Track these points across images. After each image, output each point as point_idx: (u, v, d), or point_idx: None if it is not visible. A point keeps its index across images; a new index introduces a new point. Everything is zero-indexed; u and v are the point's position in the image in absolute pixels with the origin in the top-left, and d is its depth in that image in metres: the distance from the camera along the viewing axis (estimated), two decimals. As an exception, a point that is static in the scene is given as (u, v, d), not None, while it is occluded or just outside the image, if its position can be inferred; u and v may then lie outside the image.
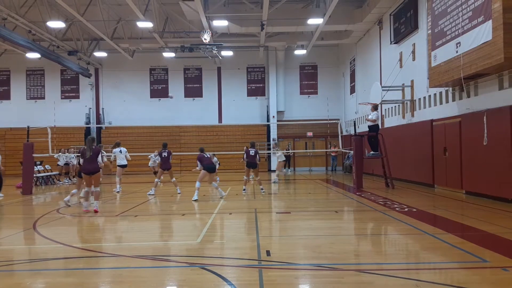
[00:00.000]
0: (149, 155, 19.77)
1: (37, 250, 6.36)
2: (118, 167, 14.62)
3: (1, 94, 27.20)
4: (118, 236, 7.11)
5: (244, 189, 13.16)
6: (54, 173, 19.50)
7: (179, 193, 13.22)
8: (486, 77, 10.69)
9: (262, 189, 13.21)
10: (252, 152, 12.71)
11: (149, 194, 12.96)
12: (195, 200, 11.24)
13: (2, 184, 13.54)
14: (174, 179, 13.58)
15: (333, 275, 4.71)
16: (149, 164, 20.25)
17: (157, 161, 17.86)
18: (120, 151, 14.61)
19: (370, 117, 14.53)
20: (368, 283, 4.40)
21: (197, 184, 11.57)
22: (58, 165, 19.15)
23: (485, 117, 10.47)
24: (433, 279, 4.59)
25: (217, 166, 17.77)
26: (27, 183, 14.42)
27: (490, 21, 9.26)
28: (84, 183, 9.89)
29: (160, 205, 11.48)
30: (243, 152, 13.92)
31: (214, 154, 17.26)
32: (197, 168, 11.91)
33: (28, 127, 15.70)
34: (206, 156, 12.01)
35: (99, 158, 9.85)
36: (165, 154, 13.29)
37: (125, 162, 14.57)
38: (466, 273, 4.76)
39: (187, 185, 15.19)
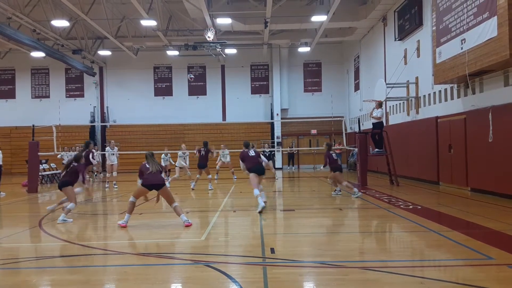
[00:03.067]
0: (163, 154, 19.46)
1: (43, 248, 6.41)
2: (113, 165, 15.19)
3: (6, 93, 27.35)
4: (123, 233, 7.14)
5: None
6: (59, 171, 19.59)
7: (210, 189, 13.61)
8: (491, 73, 10.61)
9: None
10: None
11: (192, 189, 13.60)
12: (260, 212, 8.76)
13: None
14: (210, 175, 13.90)
15: (338, 273, 4.70)
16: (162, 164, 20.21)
17: (169, 160, 18.03)
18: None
19: (374, 114, 14.48)
20: (373, 281, 4.39)
21: (255, 192, 8.99)
22: (63, 163, 19.23)
23: (490, 113, 10.40)
24: (438, 276, 4.58)
25: (228, 159, 17.92)
26: (33, 182, 14.51)
27: (495, 17, 9.19)
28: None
29: (165, 203, 11.49)
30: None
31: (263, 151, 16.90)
32: (242, 169, 9.59)
33: (33, 125, 15.78)
34: (251, 154, 9.48)
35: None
36: (203, 153, 13.60)
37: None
38: (472, 270, 4.74)
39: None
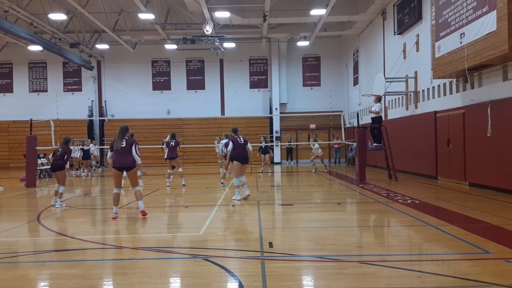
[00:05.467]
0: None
1: (41, 242, 6.41)
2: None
3: (4, 87, 27.23)
4: (121, 228, 7.14)
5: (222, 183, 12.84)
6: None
7: (183, 184, 13.28)
8: (490, 68, 10.59)
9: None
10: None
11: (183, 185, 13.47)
12: (238, 200, 9.30)
13: None
14: (180, 169, 13.69)
15: (336, 267, 4.71)
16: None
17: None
18: None
19: (373, 109, 14.47)
20: (370, 274, 4.41)
21: (235, 181, 9.17)
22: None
23: (489, 108, 10.40)
24: (435, 270, 4.60)
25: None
26: (31, 176, 14.49)
27: (495, 11, 9.15)
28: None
29: (163, 197, 11.51)
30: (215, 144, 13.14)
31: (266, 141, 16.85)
32: (224, 154, 9.71)
33: (31, 120, 15.74)
34: (240, 141, 9.33)
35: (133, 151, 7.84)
36: (172, 143, 13.51)
37: None
38: (469, 264, 4.76)
39: (190, 177, 15.23)
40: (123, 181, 13.24)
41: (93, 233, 6.91)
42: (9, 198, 11.64)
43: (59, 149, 9.48)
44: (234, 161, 9.21)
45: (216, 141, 18.35)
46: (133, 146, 7.73)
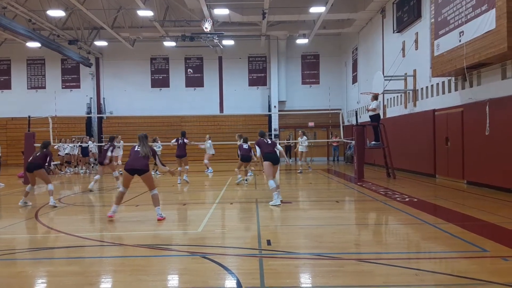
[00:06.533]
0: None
1: (39, 239, 6.40)
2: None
3: (2, 84, 27.14)
4: (119, 225, 7.14)
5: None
6: (55, 163, 19.54)
7: (179, 183, 13.30)
8: (489, 66, 10.60)
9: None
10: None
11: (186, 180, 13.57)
12: (277, 205, 8.66)
13: None
14: (187, 166, 13.82)
15: (334, 264, 4.72)
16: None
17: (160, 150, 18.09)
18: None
19: (370, 107, 14.50)
20: (368, 272, 4.42)
21: (271, 183, 8.77)
22: (59, 155, 19.19)
23: (487, 106, 10.41)
24: (433, 268, 4.61)
25: (212, 151, 17.89)
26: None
27: (494, 9, 9.15)
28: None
29: (162, 195, 11.49)
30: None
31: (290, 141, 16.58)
32: (256, 156, 9.37)
33: (29, 116, 15.70)
34: (267, 142, 9.18)
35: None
36: (181, 141, 13.63)
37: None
38: (466, 262, 4.77)
39: (189, 175, 15.18)
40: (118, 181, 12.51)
41: (91, 231, 6.90)
42: (7, 195, 11.62)
43: (37, 153, 9.16)
44: (265, 162, 8.98)
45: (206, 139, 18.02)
46: (157, 155, 7.65)
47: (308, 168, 17.90)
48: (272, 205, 8.63)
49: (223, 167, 18.82)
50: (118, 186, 11.29)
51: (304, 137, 17.44)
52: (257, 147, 9.12)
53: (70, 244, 5.85)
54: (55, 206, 8.81)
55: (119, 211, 7.65)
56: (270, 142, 9.26)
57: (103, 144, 15.62)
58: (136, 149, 7.36)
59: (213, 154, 17.69)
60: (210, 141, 17.46)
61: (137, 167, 7.18)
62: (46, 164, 9.16)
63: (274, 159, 8.97)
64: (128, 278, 4.34)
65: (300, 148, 17.52)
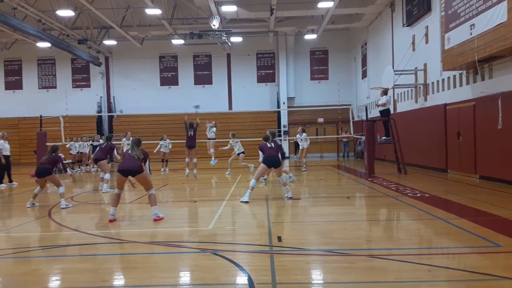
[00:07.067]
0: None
1: (53, 237, 6.48)
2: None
3: (14, 84, 27.50)
4: (131, 223, 7.20)
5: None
6: (67, 161, 19.77)
7: (187, 175, 13.67)
8: (501, 59, 10.44)
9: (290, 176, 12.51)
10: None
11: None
12: (245, 202, 8.83)
13: (9, 171, 13.75)
14: (195, 159, 13.90)
15: (345, 261, 4.71)
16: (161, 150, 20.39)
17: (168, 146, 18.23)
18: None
19: (380, 101, 14.39)
20: (379, 268, 4.40)
21: (252, 182, 9.01)
22: (70, 154, 19.41)
23: (499, 100, 10.26)
24: (445, 264, 4.57)
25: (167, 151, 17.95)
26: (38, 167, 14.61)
27: (506, 1, 9.00)
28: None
29: (172, 192, 11.58)
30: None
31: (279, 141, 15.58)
32: (260, 160, 9.24)
33: (40, 116, 15.88)
34: (269, 146, 9.17)
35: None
36: (191, 133, 13.85)
37: None
38: (479, 258, 4.72)
39: (198, 172, 15.24)
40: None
41: (103, 228, 6.98)
42: (20, 194, 11.80)
43: (46, 157, 9.09)
44: (262, 164, 9.07)
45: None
46: (148, 160, 7.69)
47: (303, 168, 16.52)
48: (241, 201, 8.84)
49: (233, 164, 18.82)
50: (101, 188, 11.37)
51: (304, 134, 16.50)
52: (260, 152, 9.20)
53: (83, 242, 5.92)
54: (67, 207, 8.82)
55: (132, 208, 7.71)
56: (273, 146, 9.25)
57: (114, 142, 15.63)
58: (129, 152, 7.49)
59: (214, 139, 17.01)
60: (214, 129, 17.06)
61: (131, 168, 7.24)
62: (55, 168, 9.18)
63: (271, 163, 9.05)
64: (140, 275, 4.38)
65: (302, 145, 16.60)
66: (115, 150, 11.56)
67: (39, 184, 9.13)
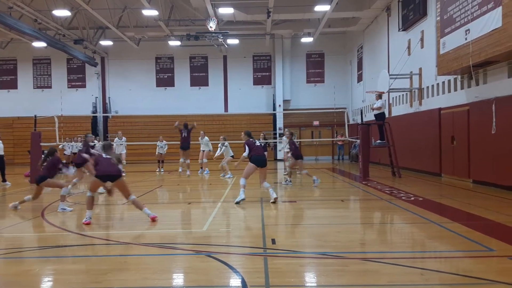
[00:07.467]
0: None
1: (46, 238, 6.44)
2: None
3: (9, 84, 27.35)
4: (125, 224, 7.17)
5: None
6: (62, 162, 19.65)
7: (185, 173, 13.67)
8: (496, 64, 10.52)
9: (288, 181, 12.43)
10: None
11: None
12: (237, 203, 8.74)
13: (3, 171, 13.66)
14: (188, 160, 13.92)
15: (338, 264, 4.72)
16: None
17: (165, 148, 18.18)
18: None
19: (375, 105, 14.46)
20: (373, 271, 4.41)
21: (242, 180, 8.84)
22: (64, 154, 19.32)
23: (494, 105, 10.34)
24: (438, 267, 4.59)
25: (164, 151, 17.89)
26: (35, 172, 14.52)
27: (500, 7, 9.08)
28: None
29: (166, 193, 11.55)
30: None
31: (267, 143, 14.59)
32: (244, 154, 8.97)
33: (35, 116, 15.79)
34: (256, 143, 9.08)
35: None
36: (185, 134, 13.99)
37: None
38: (472, 262, 4.74)
39: (193, 174, 15.26)
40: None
41: (96, 229, 6.94)
42: (14, 194, 11.72)
43: (44, 163, 8.68)
44: (250, 163, 8.90)
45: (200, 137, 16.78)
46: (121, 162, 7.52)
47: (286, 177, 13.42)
48: (236, 201, 8.70)
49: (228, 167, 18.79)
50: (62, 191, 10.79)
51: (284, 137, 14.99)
52: (246, 147, 8.97)
53: (75, 243, 5.89)
54: (64, 211, 8.30)
55: (125, 209, 7.68)
56: (259, 143, 9.21)
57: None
58: (104, 156, 7.19)
59: (210, 151, 16.35)
60: (206, 137, 16.34)
61: (113, 173, 7.01)
62: (59, 171, 8.83)
63: (260, 162, 8.89)
64: (133, 276, 4.37)
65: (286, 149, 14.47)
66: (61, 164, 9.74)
67: (35, 193, 8.53)
